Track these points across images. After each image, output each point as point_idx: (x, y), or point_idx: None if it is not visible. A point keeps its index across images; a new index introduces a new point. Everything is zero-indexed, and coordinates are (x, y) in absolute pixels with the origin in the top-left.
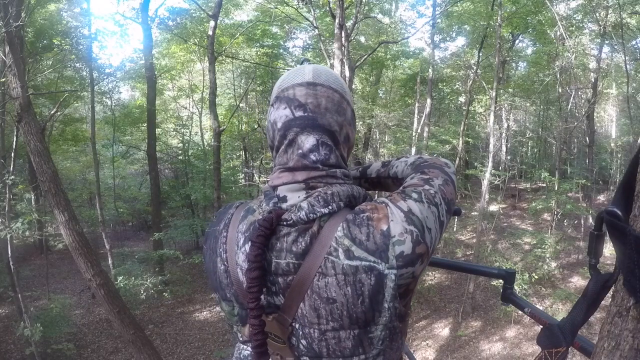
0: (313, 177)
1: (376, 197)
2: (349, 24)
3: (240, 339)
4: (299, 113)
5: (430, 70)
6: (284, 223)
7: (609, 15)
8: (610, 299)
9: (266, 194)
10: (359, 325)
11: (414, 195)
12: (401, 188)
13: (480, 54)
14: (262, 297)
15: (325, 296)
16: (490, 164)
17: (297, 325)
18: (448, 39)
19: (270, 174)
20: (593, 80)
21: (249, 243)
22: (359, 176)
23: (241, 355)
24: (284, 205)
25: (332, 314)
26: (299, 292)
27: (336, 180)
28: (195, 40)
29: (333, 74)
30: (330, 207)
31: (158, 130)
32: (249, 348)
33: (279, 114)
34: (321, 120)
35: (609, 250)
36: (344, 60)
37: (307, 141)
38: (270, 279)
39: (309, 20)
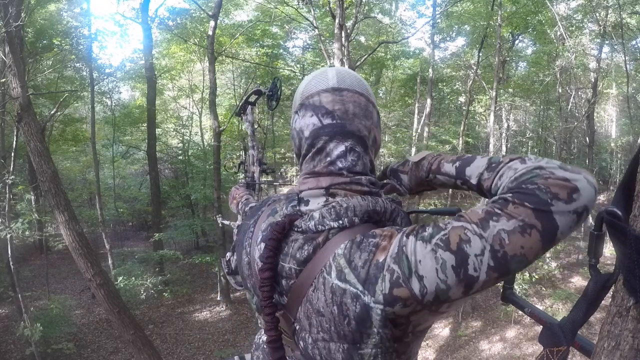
0: (336, 184)
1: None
2: (349, 24)
3: (261, 325)
4: (327, 121)
5: (430, 70)
6: (296, 229)
7: (609, 15)
8: (610, 299)
9: (288, 197)
10: (348, 342)
11: (426, 233)
12: (448, 219)
13: (480, 54)
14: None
15: (316, 308)
16: None
17: (297, 326)
18: (448, 39)
19: (297, 179)
20: (593, 80)
21: (263, 244)
22: (456, 176)
23: (260, 341)
24: (304, 209)
25: (321, 325)
26: (298, 297)
27: (361, 188)
28: (195, 40)
29: (357, 77)
30: (340, 222)
31: (158, 130)
32: None
33: (306, 122)
34: (350, 126)
35: (609, 250)
36: (344, 60)
37: (337, 149)
38: (277, 279)
39: (309, 20)
